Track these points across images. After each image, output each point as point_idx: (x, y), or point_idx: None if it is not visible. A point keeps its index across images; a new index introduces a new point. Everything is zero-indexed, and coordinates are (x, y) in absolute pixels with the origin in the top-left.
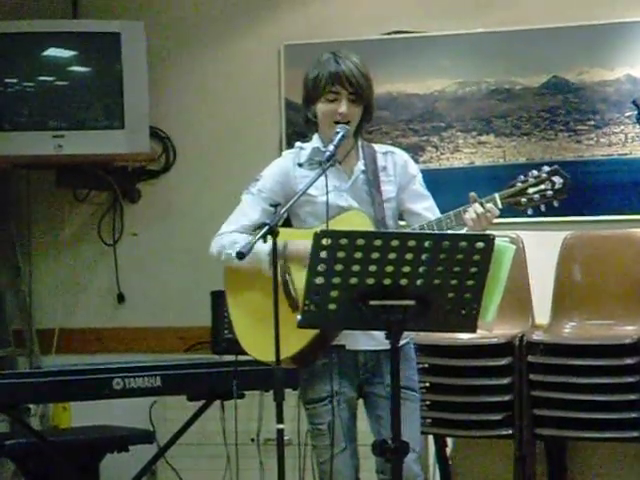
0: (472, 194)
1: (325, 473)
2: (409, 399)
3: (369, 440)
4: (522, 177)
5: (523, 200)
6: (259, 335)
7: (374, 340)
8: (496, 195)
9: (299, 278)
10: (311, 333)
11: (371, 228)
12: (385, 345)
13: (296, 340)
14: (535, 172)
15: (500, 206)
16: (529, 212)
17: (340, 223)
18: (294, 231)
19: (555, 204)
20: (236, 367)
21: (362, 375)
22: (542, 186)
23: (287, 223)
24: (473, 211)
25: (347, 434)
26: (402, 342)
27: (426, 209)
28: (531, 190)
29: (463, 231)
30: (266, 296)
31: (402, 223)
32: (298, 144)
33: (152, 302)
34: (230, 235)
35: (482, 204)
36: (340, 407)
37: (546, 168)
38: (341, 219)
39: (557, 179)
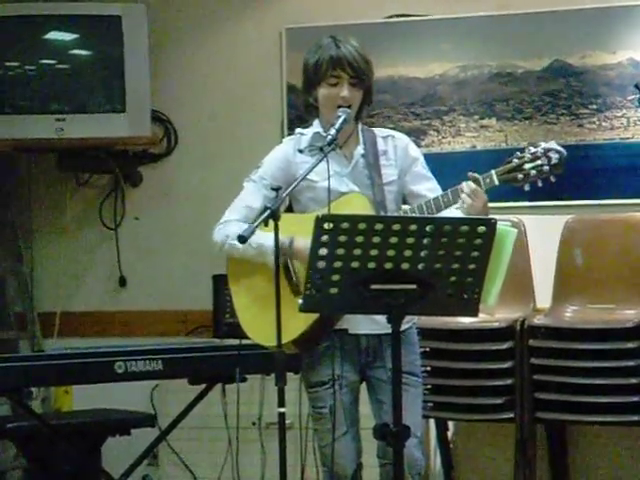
0: (470, 173)
1: (326, 456)
2: (411, 384)
3: (371, 424)
4: (518, 153)
5: (520, 176)
6: (261, 320)
7: (376, 324)
8: (492, 171)
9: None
10: (313, 317)
11: (370, 210)
12: (387, 329)
13: (298, 324)
14: (532, 148)
15: (497, 182)
16: (526, 188)
17: (340, 206)
18: (296, 216)
19: (552, 179)
20: (239, 351)
21: (364, 359)
22: (538, 162)
23: (290, 209)
24: (466, 186)
25: (349, 418)
26: (405, 326)
27: (429, 190)
28: (527, 166)
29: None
30: (268, 281)
31: (405, 207)
32: (298, 130)
33: (154, 286)
34: (233, 224)
35: (478, 180)
36: (342, 391)
37: (542, 144)
38: (341, 202)
39: (553, 154)
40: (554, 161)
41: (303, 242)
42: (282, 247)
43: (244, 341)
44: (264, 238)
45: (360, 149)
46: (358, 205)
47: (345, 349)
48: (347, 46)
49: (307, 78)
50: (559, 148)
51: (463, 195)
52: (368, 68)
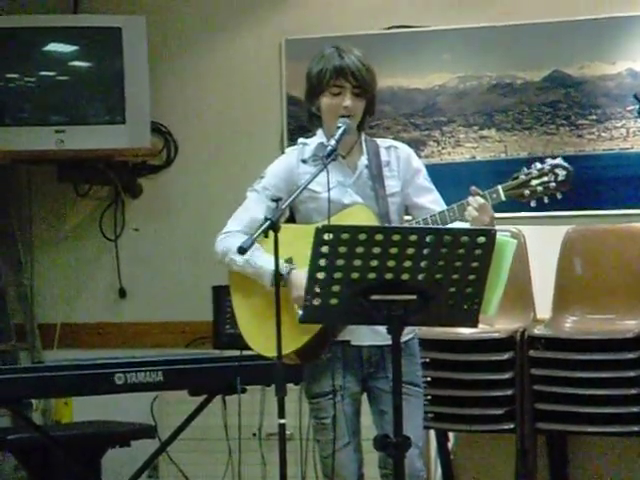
0: (473, 188)
1: (328, 467)
2: (412, 395)
3: (372, 435)
4: (525, 169)
5: (526, 192)
6: (263, 331)
7: (378, 335)
8: (499, 187)
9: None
10: (315, 328)
11: (375, 223)
12: (389, 340)
13: (300, 335)
14: (538, 164)
15: (503, 198)
16: (532, 204)
17: (344, 218)
18: (296, 227)
19: (558, 196)
20: (240, 362)
21: (366, 369)
22: (545, 178)
23: (292, 219)
24: (474, 201)
25: (351, 428)
26: (406, 337)
27: (431, 202)
28: (534, 182)
29: (466, 224)
30: (269, 293)
31: (407, 218)
32: (301, 140)
33: (153, 297)
34: (235, 236)
35: (484, 196)
36: (344, 402)
37: (549, 160)
38: (345, 214)
39: (560, 171)
40: (561, 178)
41: (300, 277)
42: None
43: (244, 352)
44: (264, 261)
45: (364, 160)
46: (363, 217)
47: (347, 360)
48: (350, 56)
49: (310, 88)
50: (566, 165)
51: (469, 208)
52: (371, 78)
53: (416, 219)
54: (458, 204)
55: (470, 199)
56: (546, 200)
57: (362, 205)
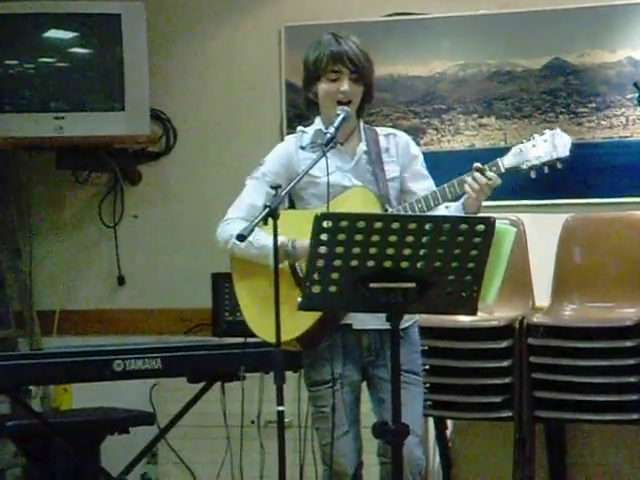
0: (476, 164)
1: (327, 455)
2: (412, 383)
3: (372, 422)
4: (524, 141)
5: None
6: (267, 317)
7: (379, 319)
8: (499, 159)
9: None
10: (317, 314)
11: (376, 205)
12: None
13: (302, 322)
14: (537, 135)
15: (503, 170)
16: (532, 175)
17: (344, 201)
18: (297, 212)
19: (558, 166)
20: (244, 349)
21: (366, 357)
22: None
23: (291, 205)
24: (476, 180)
25: (350, 417)
26: (406, 324)
27: (425, 190)
28: None
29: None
30: (271, 279)
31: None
32: (300, 128)
33: (153, 284)
34: (236, 223)
35: (483, 172)
36: (343, 390)
37: (547, 131)
38: (345, 197)
39: (559, 140)
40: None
41: (305, 242)
42: (285, 249)
43: (244, 339)
44: (267, 239)
45: (363, 146)
46: (362, 199)
47: (347, 348)
48: (348, 42)
49: (307, 74)
50: (564, 134)
51: (468, 182)
52: (368, 64)
53: (416, 195)
54: (458, 179)
55: (476, 175)
56: (546, 170)
57: (361, 187)
